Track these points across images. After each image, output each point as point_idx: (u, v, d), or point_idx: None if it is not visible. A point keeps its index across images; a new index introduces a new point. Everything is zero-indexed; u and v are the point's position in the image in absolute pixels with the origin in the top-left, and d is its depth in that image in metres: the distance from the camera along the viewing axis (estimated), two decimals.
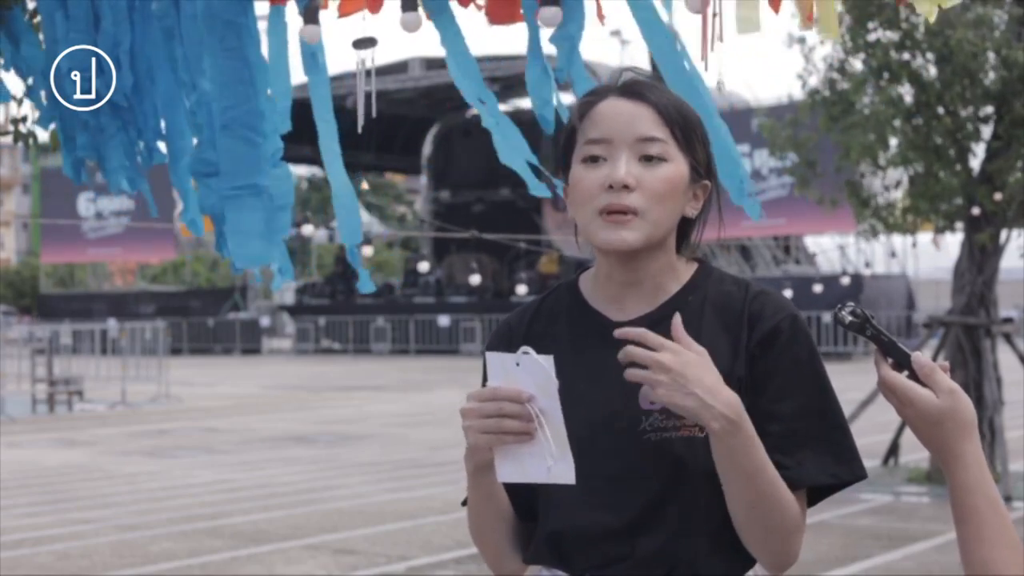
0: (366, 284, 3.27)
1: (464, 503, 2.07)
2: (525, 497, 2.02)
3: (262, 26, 3.16)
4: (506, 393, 1.79)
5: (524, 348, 1.78)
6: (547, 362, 1.77)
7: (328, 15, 3.10)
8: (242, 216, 3.15)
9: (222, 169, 3.11)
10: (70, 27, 3.23)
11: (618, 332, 1.82)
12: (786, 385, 1.93)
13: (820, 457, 1.92)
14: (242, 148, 3.08)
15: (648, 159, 1.93)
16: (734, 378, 1.92)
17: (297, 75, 3.27)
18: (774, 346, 1.94)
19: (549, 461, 1.78)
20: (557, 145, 2.09)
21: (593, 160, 1.95)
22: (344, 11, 3.06)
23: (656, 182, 1.93)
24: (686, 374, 1.77)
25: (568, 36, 3.01)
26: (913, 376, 1.76)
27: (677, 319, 1.82)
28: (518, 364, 1.78)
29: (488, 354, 1.82)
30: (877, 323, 1.79)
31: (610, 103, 1.97)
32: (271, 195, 3.16)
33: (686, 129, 1.97)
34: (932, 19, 2.66)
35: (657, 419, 1.92)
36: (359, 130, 3.17)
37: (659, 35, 2.97)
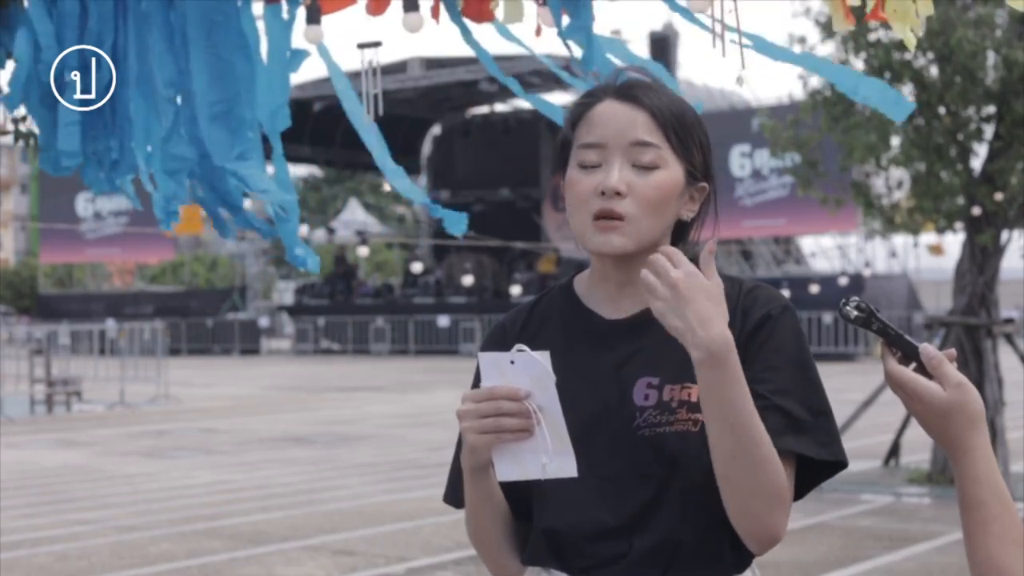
0: (459, 223, 3.25)
1: (445, 499, 2.07)
2: (522, 497, 2.01)
3: (260, 26, 3.16)
4: (503, 391, 1.77)
5: (519, 346, 1.77)
6: (543, 357, 1.76)
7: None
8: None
9: (214, 151, 3.10)
10: (62, 24, 3.22)
11: (662, 249, 1.81)
12: (769, 367, 1.91)
13: (800, 436, 1.89)
14: (231, 139, 3.09)
15: (642, 166, 1.93)
16: None
17: (296, 76, 3.26)
18: (761, 332, 1.93)
19: (549, 456, 1.77)
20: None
21: (588, 165, 1.95)
22: (327, 9, 3.06)
23: (648, 189, 1.92)
24: (688, 296, 1.76)
25: (582, 27, 2.99)
26: (921, 368, 1.74)
27: (712, 244, 1.82)
28: (513, 362, 1.77)
29: (481, 354, 1.81)
30: (882, 316, 1.77)
31: (606, 106, 1.97)
32: (245, 182, 3.16)
33: (682, 133, 1.95)
34: (911, 45, 2.69)
35: (651, 415, 1.91)
36: (377, 128, 3.18)
37: None
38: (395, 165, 3.24)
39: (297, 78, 3.28)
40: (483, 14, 3.08)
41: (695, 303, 1.76)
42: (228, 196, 3.23)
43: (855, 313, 1.75)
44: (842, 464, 1.93)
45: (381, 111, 3.13)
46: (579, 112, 1.99)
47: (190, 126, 3.11)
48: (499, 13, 3.07)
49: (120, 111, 3.31)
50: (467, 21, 3.12)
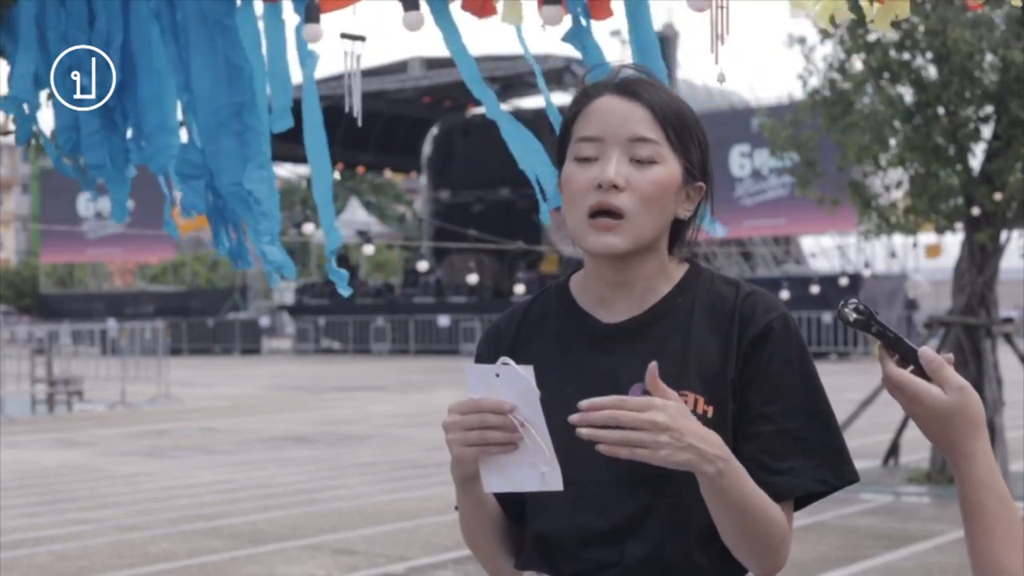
0: (344, 286, 3.26)
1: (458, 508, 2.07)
2: (515, 502, 2.01)
3: (260, 26, 3.16)
4: (488, 404, 1.76)
5: (503, 359, 1.76)
6: (527, 372, 1.75)
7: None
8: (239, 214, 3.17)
9: (219, 167, 3.11)
10: (69, 24, 3.24)
11: (584, 404, 1.72)
12: (778, 386, 1.91)
13: (810, 460, 1.89)
14: (234, 147, 3.10)
15: (639, 160, 1.91)
16: (726, 379, 1.91)
17: (296, 75, 3.27)
18: (765, 346, 1.92)
19: (535, 469, 1.77)
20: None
21: (585, 159, 1.93)
22: (326, 7, 3.06)
23: (646, 184, 1.90)
24: (680, 428, 1.72)
25: (575, 34, 3.02)
26: (919, 372, 1.73)
27: (653, 367, 1.75)
28: (498, 375, 1.76)
29: (468, 367, 1.80)
30: (881, 319, 1.77)
31: (605, 101, 1.94)
32: (256, 199, 3.17)
33: (680, 130, 1.94)
34: (887, 32, 2.71)
35: None
36: (359, 124, 3.17)
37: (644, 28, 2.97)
38: (329, 199, 3.24)
39: (295, 78, 3.29)
40: (485, 9, 3.07)
41: (687, 427, 1.73)
42: (234, 214, 3.24)
43: (854, 316, 1.74)
44: (853, 482, 1.94)
45: (358, 107, 3.11)
46: (577, 106, 1.97)
47: (200, 132, 3.12)
48: (499, 11, 3.07)
49: (126, 110, 3.32)
50: (469, 16, 3.10)
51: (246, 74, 3.08)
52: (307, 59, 3.10)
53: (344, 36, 3.11)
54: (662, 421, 1.71)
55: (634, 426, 1.71)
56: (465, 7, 3.07)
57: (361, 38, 3.13)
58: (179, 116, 3.33)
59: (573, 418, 1.72)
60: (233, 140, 3.09)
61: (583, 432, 1.71)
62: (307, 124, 3.13)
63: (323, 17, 3.09)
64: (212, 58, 3.04)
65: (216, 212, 3.29)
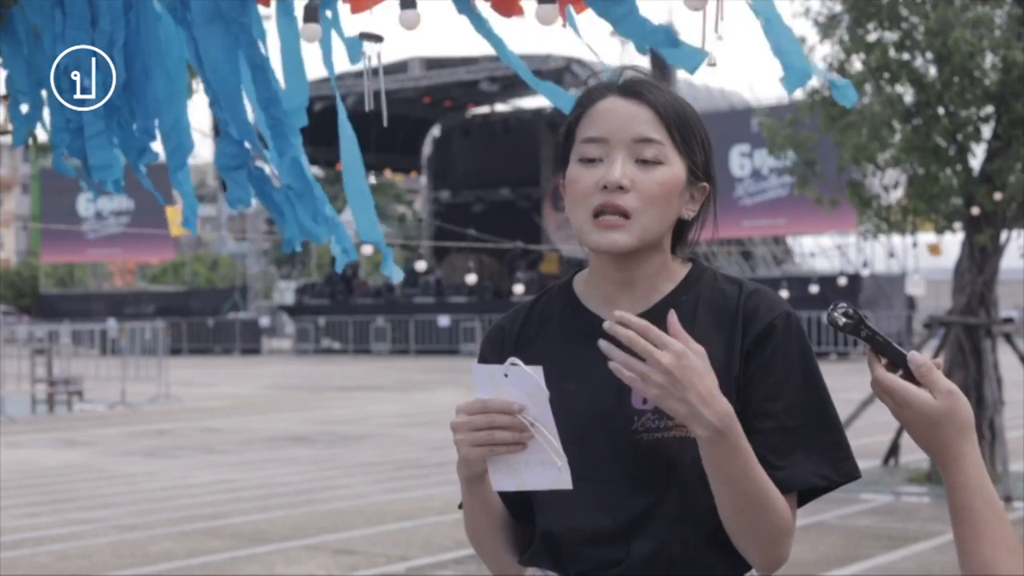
0: (394, 271, 3.31)
1: (461, 506, 2.07)
2: (520, 501, 2.01)
3: (271, 25, 3.17)
4: (497, 405, 1.77)
5: (512, 359, 1.77)
6: (536, 372, 1.75)
7: (342, 8, 3.10)
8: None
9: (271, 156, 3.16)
10: (67, 24, 3.24)
11: (618, 314, 1.75)
12: (779, 383, 1.91)
13: (812, 457, 1.90)
14: (280, 145, 3.12)
15: (644, 161, 1.92)
16: (731, 377, 1.92)
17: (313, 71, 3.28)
18: (768, 344, 1.93)
19: (544, 469, 1.77)
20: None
21: (589, 160, 1.94)
22: (357, 7, 3.06)
23: (651, 185, 1.91)
24: (683, 379, 1.73)
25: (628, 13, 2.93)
26: (908, 376, 1.73)
27: (673, 315, 1.77)
28: (506, 375, 1.77)
29: (476, 367, 1.81)
30: (871, 323, 1.77)
31: (609, 102, 1.96)
32: (296, 192, 3.19)
33: (684, 131, 1.95)
34: None
35: (649, 419, 1.90)
36: (384, 123, 3.19)
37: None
38: (367, 191, 3.26)
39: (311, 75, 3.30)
40: (513, 9, 3.06)
41: (691, 381, 1.75)
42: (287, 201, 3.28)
43: (843, 320, 1.74)
44: (855, 478, 1.94)
45: (383, 107, 3.12)
46: (581, 108, 1.98)
47: (235, 127, 3.13)
48: (524, 12, 3.04)
49: (134, 110, 3.32)
50: (495, 15, 3.09)
51: (266, 71, 3.09)
52: (353, 49, 3.10)
53: (363, 36, 3.11)
54: (666, 363, 1.73)
55: (641, 355, 1.73)
56: (494, 7, 3.05)
57: (379, 38, 3.13)
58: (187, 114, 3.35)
59: (606, 325, 1.75)
60: (277, 141, 3.12)
61: (601, 344, 1.75)
62: (340, 123, 3.15)
63: (344, 17, 3.10)
64: (228, 54, 3.04)
65: (273, 204, 3.31)
